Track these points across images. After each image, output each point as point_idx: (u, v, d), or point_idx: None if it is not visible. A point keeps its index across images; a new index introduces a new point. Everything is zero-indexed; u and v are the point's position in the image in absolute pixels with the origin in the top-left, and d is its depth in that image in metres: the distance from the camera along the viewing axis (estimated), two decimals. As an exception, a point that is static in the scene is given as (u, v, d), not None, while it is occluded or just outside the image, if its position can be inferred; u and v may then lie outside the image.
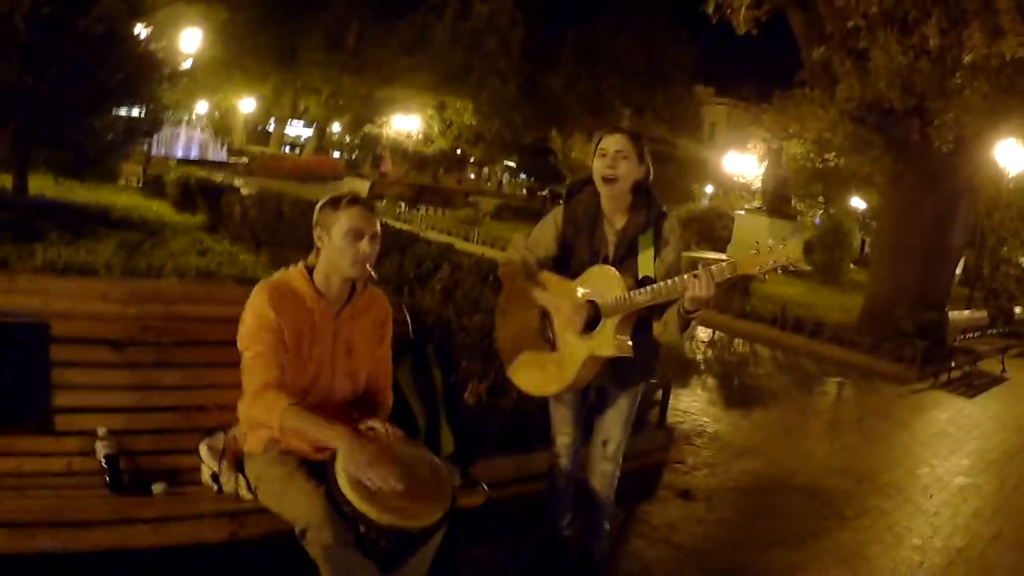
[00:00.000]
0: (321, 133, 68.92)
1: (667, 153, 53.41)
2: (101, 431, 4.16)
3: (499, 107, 57.77)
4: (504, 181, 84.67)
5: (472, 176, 75.51)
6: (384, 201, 41.49)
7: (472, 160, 66.61)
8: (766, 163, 40.69)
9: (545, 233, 4.99)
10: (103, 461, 4.06)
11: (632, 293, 4.47)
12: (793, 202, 42.99)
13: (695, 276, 4.24)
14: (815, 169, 36.27)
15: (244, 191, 18.81)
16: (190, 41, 28.10)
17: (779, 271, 4.15)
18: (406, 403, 4.78)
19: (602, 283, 4.62)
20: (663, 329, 4.67)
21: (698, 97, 69.70)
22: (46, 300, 4.35)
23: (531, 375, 4.93)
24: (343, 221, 4.07)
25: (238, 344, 4.09)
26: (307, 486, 3.83)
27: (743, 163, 50.88)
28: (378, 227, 4.21)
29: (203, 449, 4.27)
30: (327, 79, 58.37)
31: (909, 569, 6.74)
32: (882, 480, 9.07)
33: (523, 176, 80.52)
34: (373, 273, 4.18)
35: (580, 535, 5.32)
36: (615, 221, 4.84)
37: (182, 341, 4.56)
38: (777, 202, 38.07)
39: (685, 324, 4.53)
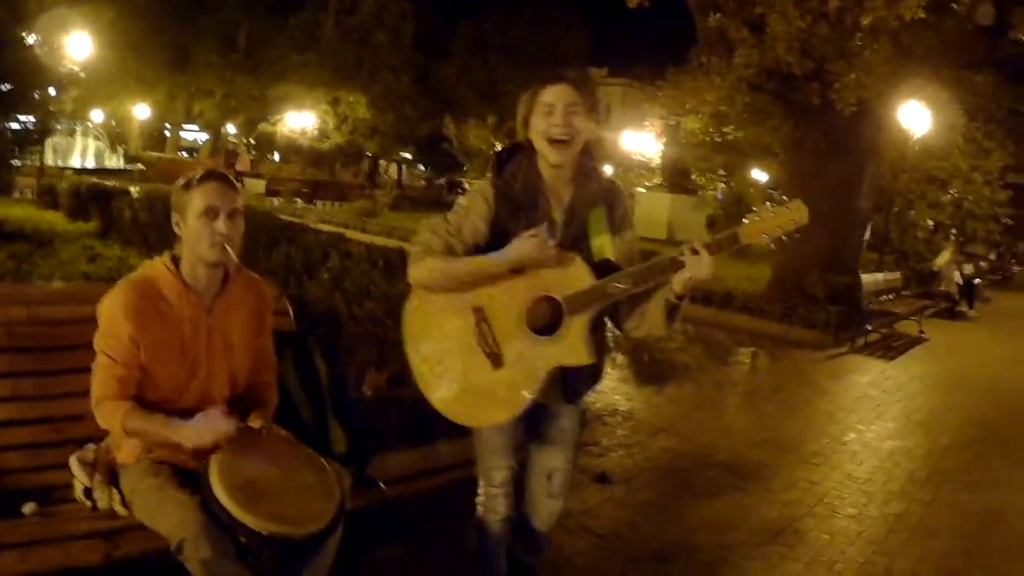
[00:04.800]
0: (216, 135, 68.15)
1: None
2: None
3: (392, 100, 57.37)
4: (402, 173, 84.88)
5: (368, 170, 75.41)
6: (280, 198, 41.47)
7: (368, 154, 66.18)
8: (664, 140, 41.04)
9: (472, 214, 4.01)
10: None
11: (606, 282, 3.77)
12: (693, 177, 43.46)
13: (693, 252, 3.66)
14: (714, 143, 36.55)
15: (134, 193, 18.52)
16: (80, 47, 27.40)
17: (784, 237, 3.68)
18: (291, 399, 4.38)
19: (558, 272, 3.83)
20: (640, 322, 3.97)
21: (592, 79, 69.93)
22: None
23: (471, 403, 3.98)
24: (196, 200, 3.67)
25: (93, 344, 3.69)
26: (181, 496, 3.47)
27: (641, 141, 51.18)
28: (239, 203, 3.77)
29: (74, 463, 3.88)
30: (220, 81, 57.72)
31: (847, 540, 6.48)
32: (807, 449, 8.84)
33: (420, 167, 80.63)
34: (234, 256, 3.71)
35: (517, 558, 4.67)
36: (561, 193, 4.02)
37: (48, 346, 4.16)
38: (677, 178, 38.34)
39: (673, 311, 3.85)
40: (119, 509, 3.72)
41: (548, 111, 3.89)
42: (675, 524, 6.41)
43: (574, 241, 3.92)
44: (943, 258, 24.95)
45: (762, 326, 16.65)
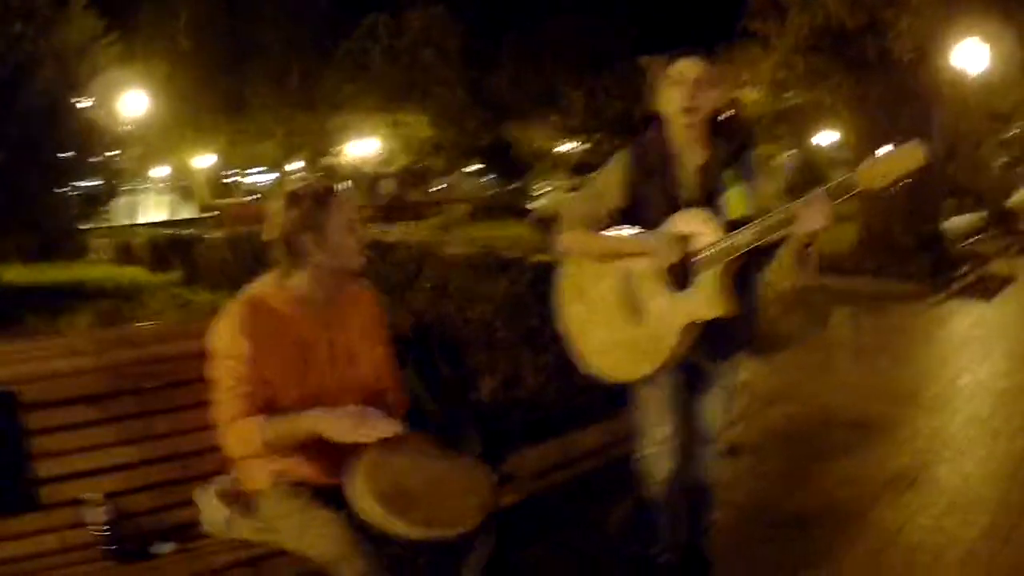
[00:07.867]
0: (282, 174, 68.47)
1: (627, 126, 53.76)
2: (93, 496, 3.68)
3: (450, 115, 57.30)
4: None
5: (439, 187, 75.24)
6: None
7: (436, 171, 66.15)
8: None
9: (610, 181, 4.21)
10: (100, 529, 3.61)
11: (732, 235, 3.82)
12: (759, 148, 43.19)
13: (808, 202, 3.66)
14: (775, 112, 36.30)
15: (217, 237, 18.63)
16: (136, 104, 27.55)
17: (906, 180, 3.53)
18: (417, 405, 4.36)
19: (691, 230, 3.96)
20: (778, 270, 4.01)
21: (644, 68, 69.38)
22: (8, 367, 3.86)
23: (616, 358, 4.24)
24: (339, 215, 3.60)
25: (208, 375, 3.61)
26: (326, 514, 3.39)
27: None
28: None
29: (205, 496, 3.81)
30: (278, 120, 57.79)
31: (980, 480, 6.42)
32: (926, 396, 8.72)
33: (490, 177, 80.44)
34: None
35: (685, 536, 4.64)
36: (693, 157, 4.13)
37: (163, 384, 4.09)
38: (745, 152, 37.95)
39: (804, 258, 3.83)
40: (257, 538, 3.63)
41: (677, 83, 4.04)
42: (809, 486, 6.38)
43: (708, 200, 4.01)
44: (1019, 195, 24.68)
45: (856, 284, 16.39)
